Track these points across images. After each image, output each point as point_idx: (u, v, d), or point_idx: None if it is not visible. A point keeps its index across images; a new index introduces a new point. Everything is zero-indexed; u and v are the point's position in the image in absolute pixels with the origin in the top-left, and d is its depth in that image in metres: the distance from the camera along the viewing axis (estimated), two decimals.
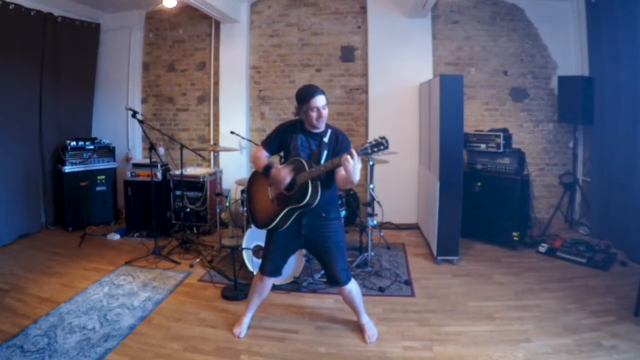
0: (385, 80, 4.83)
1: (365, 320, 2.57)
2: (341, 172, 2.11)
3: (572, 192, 4.63)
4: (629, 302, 2.79)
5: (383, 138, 2.01)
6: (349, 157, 2.01)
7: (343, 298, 2.54)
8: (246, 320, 2.63)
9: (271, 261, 2.45)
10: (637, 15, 3.57)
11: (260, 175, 2.44)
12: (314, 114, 2.24)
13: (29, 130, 4.49)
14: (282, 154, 2.50)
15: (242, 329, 2.58)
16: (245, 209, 3.63)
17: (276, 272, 2.50)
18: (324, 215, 2.36)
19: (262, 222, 2.41)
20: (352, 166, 2.00)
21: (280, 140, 2.39)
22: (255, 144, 4.57)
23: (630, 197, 3.71)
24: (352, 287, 2.46)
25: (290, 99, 2.26)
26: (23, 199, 4.37)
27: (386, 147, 2.01)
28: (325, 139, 2.32)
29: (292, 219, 2.33)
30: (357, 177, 2.05)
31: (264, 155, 2.41)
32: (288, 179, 2.24)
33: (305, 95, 2.27)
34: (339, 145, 2.32)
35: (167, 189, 4.51)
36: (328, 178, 2.27)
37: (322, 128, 2.33)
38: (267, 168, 2.33)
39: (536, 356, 2.29)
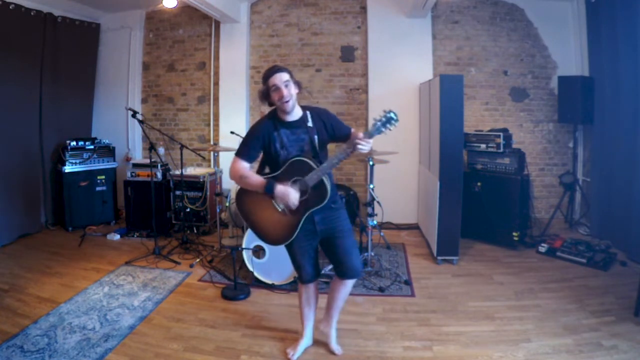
0: (385, 80, 4.83)
1: (335, 328, 2.41)
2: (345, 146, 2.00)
3: (572, 192, 4.63)
4: (629, 302, 2.79)
5: (390, 112, 1.90)
6: (363, 143, 1.90)
7: (335, 291, 2.29)
8: (302, 342, 2.38)
9: (303, 269, 2.25)
10: (637, 15, 3.57)
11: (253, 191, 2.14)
12: (274, 95, 2.06)
13: (29, 130, 4.49)
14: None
15: (296, 352, 2.34)
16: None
17: (314, 276, 2.30)
18: (333, 206, 2.18)
19: (280, 238, 2.15)
20: (369, 148, 1.95)
21: (261, 144, 2.13)
22: None
23: (630, 197, 3.71)
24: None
25: None
26: (23, 199, 4.37)
27: (396, 120, 1.90)
28: (310, 123, 2.13)
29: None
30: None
31: (247, 168, 2.12)
32: (297, 200, 2.04)
33: (264, 75, 2.09)
34: (329, 122, 2.18)
35: (167, 189, 4.51)
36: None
37: (289, 110, 2.09)
38: (270, 186, 2.03)
39: (536, 356, 2.29)
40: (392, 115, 1.90)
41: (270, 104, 2.15)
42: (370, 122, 1.95)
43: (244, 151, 2.13)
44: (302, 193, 2.05)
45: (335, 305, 2.33)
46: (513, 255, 3.87)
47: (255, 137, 2.13)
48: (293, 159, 2.07)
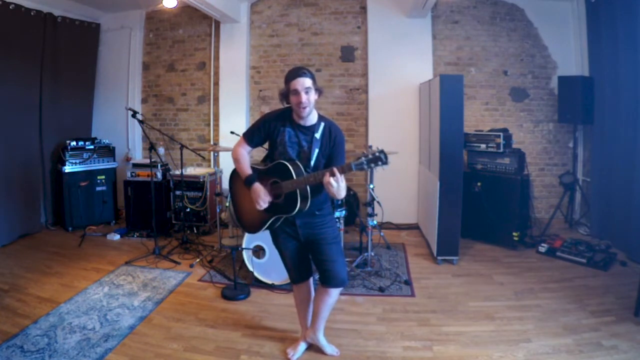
0: (385, 80, 4.83)
1: (323, 335, 2.39)
2: None
3: (572, 192, 4.63)
4: (629, 302, 2.79)
5: (382, 152, 1.83)
6: (331, 180, 1.84)
7: (319, 300, 2.26)
8: (303, 343, 2.40)
9: (291, 269, 2.30)
10: (637, 15, 3.57)
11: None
12: (293, 98, 2.01)
13: (29, 130, 4.49)
14: (266, 145, 2.27)
15: (296, 352, 2.35)
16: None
17: (302, 276, 2.32)
18: (317, 213, 2.18)
19: (250, 227, 2.29)
20: (336, 188, 1.85)
21: (265, 133, 2.14)
22: None
23: (630, 197, 3.71)
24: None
25: None
26: (23, 199, 4.37)
27: (385, 163, 1.82)
28: (317, 135, 2.08)
29: (282, 221, 2.19)
30: (342, 195, 1.90)
31: (246, 153, 2.19)
32: (266, 204, 2.08)
33: (287, 75, 2.04)
34: (332, 146, 2.10)
35: (167, 189, 4.52)
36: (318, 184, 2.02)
37: (304, 117, 2.05)
38: (250, 181, 2.12)
39: (536, 356, 2.29)
40: (382, 156, 1.82)
41: (289, 104, 2.11)
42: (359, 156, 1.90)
43: (249, 135, 2.19)
44: (277, 196, 2.09)
45: (319, 315, 2.30)
46: (513, 255, 3.87)
47: (262, 125, 2.15)
48: (279, 162, 2.07)
